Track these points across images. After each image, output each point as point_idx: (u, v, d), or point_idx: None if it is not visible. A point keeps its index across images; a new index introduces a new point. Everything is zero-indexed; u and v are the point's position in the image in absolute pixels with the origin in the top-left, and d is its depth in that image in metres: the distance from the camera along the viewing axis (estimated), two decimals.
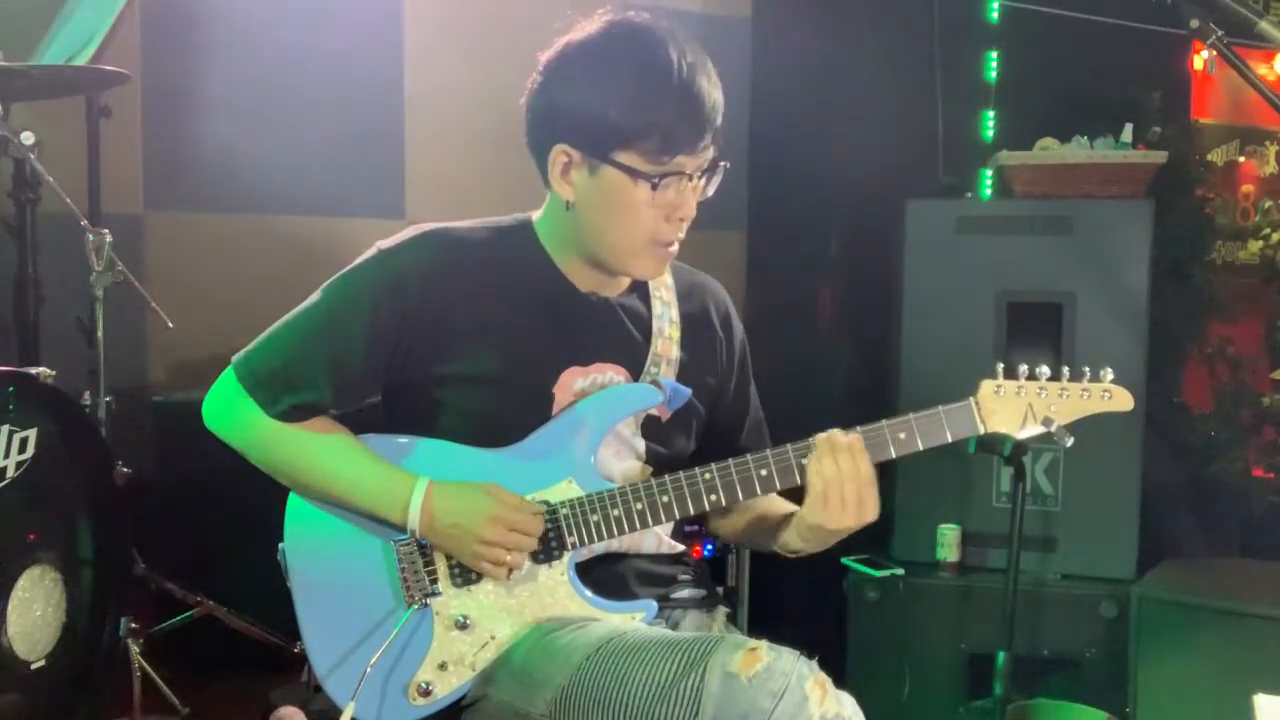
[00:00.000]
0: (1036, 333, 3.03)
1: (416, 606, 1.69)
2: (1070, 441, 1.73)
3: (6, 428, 2.43)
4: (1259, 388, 3.63)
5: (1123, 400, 1.75)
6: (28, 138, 2.73)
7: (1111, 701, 2.85)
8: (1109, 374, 1.75)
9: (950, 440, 1.72)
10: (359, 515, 1.72)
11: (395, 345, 1.71)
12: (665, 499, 1.71)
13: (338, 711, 1.67)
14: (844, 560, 3.19)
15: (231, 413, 1.74)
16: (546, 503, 1.71)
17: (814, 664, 1.53)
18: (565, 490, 1.72)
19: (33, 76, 2.77)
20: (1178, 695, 2.73)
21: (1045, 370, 1.74)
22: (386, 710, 1.68)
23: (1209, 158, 3.81)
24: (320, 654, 1.72)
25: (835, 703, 1.51)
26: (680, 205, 1.69)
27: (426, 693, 1.69)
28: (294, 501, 1.76)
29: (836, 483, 1.67)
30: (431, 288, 1.71)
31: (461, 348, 1.72)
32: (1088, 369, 1.75)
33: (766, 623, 1.99)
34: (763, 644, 1.53)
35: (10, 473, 2.44)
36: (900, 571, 3.12)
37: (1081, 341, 3.03)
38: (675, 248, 1.75)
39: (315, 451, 1.72)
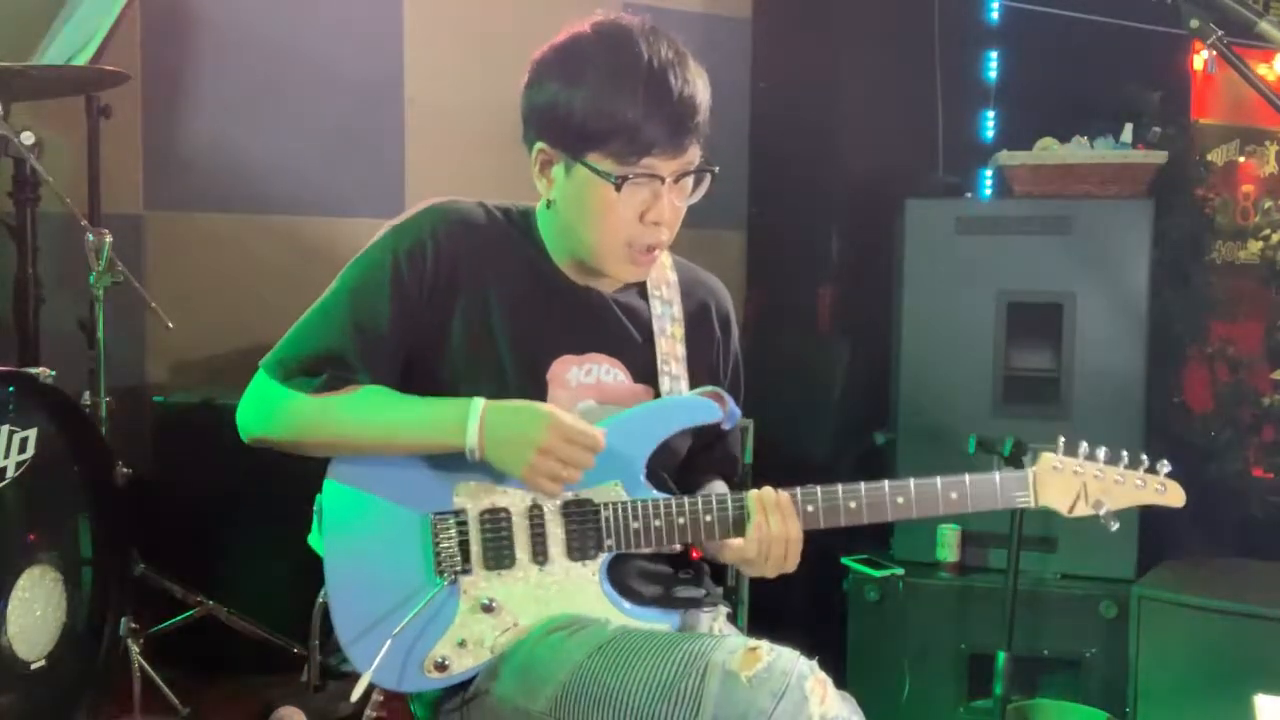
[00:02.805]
0: (1036, 332, 3.02)
1: (446, 580, 1.69)
2: (1115, 527, 1.75)
3: (6, 428, 2.44)
4: (1259, 388, 3.62)
5: (1175, 496, 1.79)
6: (28, 138, 2.73)
7: (1111, 701, 2.86)
8: (1165, 466, 1.78)
9: (999, 507, 1.73)
10: (422, 454, 1.69)
11: (416, 308, 1.71)
12: (709, 518, 1.70)
13: (338, 711, 1.67)
14: (844, 560, 3.19)
15: (272, 410, 1.72)
16: (590, 501, 1.70)
17: (814, 664, 1.53)
18: (611, 492, 1.71)
19: (33, 76, 2.78)
20: (1178, 695, 2.74)
21: (1103, 451, 1.75)
22: (403, 678, 1.68)
23: (1209, 158, 3.79)
24: (345, 620, 1.70)
25: (835, 703, 1.52)
26: (652, 208, 1.67)
27: (442, 667, 1.69)
28: (337, 465, 1.72)
29: (766, 543, 1.68)
30: (446, 247, 1.71)
31: (466, 324, 1.72)
32: (1145, 457, 1.77)
33: (766, 623, 1.98)
34: (763, 644, 1.54)
35: (10, 473, 2.44)
36: (900, 571, 3.12)
37: (1081, 341, 3.00)
38: (656, 253, 1.73)
39: (364, 405, 1.69)
